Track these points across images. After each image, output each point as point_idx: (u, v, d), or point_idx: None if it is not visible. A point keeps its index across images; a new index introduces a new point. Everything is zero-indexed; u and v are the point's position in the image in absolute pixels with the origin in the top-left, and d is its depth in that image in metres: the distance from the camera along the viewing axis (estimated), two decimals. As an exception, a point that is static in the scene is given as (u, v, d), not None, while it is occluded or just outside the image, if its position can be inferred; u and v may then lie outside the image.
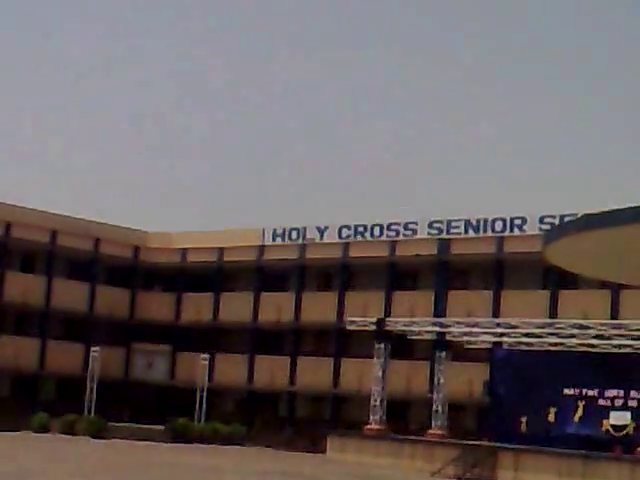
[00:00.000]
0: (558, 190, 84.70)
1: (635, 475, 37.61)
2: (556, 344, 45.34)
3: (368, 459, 45.05)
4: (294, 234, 60.83)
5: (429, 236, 56.08)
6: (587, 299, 50.20)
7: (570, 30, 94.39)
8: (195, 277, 64.76)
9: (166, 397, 63.63)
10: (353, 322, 49.33)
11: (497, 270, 54.45)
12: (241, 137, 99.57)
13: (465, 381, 51.01)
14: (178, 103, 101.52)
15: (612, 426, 43.17)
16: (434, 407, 47.02)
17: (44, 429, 52.98)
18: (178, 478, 32.03)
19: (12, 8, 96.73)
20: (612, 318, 47.84)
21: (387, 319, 49.34)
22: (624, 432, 42.67)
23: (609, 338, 43.28)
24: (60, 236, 61.37)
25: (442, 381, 46.97)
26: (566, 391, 44.69)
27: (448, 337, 47.34)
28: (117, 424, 53.76)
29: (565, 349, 45.20)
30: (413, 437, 47.34)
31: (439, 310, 54.13)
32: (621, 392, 43.23)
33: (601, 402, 43.75)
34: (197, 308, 63.64)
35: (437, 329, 47.54)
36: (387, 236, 57.46)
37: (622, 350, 43.36)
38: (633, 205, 30.09)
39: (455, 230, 55.32)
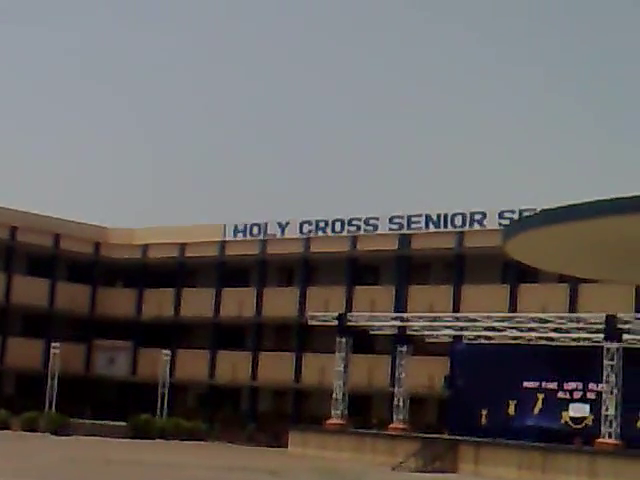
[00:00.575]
0: (517, 185, 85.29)
1: (594, 467, 38.04)
2: (516, 338, 45.73)
3: (330, 453, 45.24)
4: (255, 229, 60.91)
5: (390, 231, 56.35)
6: (546, 293, 50.70)
7: (521, 22, 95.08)
8: (156, 273, 64.59)
9: (128, 393, 63.42)
10: (314, 317, 49.46)
11: (457, 265, 54.78)
12: (201, 132, 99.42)
13: (426, 375, 51.29)
14: (138, 95, 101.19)
15: (571, 418, 43.64)
16: (395, 401, 47.26)
17: (4, 426, 52.69)
18: (139, 475, 31.96)
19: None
20: (570, 312, 48.33)
21: (348, 314, 49.52)
22: (583, 424, 43.14)
23: (568, 331, 43.72)
24: (20, 232, 61.07)
25: (403, 375, 47.21)
26: (526, 384, 45.12)
27: (409, 331, 47.61)
28: (78, 420, 53.62)
29: (525, 342, 45.61)
30: (374, 431, 47.64)
31: (400, 305, 54.42)
32: (580, 385, 43.72)
33: (560, 395, 44.23)
34: (158, 304, 63.50)
35: (398, 323, 47.83)
36: (348, 231, 57.65)
37: (580, 343, 43.82)
38: (590, 200, 30.47)
39: (416, 225, 55.62)
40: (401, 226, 56.09)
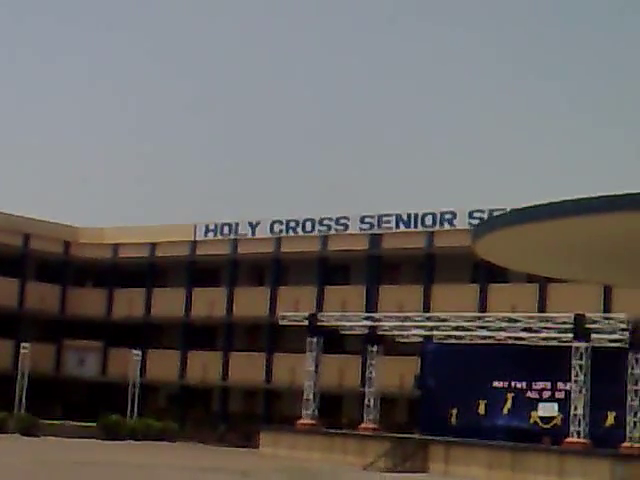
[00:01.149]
0: (486, 185, 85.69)
1: (563, 466, 38.27)
2: (485, 337, 45.91)
3: (301, 454, 45.30)
4: (226, 229, 60.87)
5: (360, 231, 56.49)
6: (515, 293, 51.01)
7: (490, 26, 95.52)
8: (127, 272, 64.42)
9: (98, 393, 63.24)
10: (285, 317, 49.46)
11: (427, 264, 54.97)
12: (173, 131, 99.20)
13: (396, 375, 51.45)
14: (110, 94, 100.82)
15: (540, 418, 43.88)
16: (366, 401, 47.33)
17: (-27, 427, 52.39)
18: (109, 476, 31.91)
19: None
20: (540, 311, 48.69)
21: (319, 314, 49.58)
22: (552, 423, 43.39)
23: (537, 331, 43.96)
24: (-12, 232, 60.73)
25: (374, 375, 47.31)
26: (495, 383, 45.33)
27: (380, 331, 47.71)
28: (48, 421, 53.39)
29: (494, 342, 45.81)
30: (345, 431, 47.71)
31: (370, 304, 54.56)
32: (548, 384, 43.95)
33: (529, 394, 44.46)
34: (129, 304, 63.34)
35: (369, 323, 47.91)
36: (319, 231, 57.73)
37: (549, 343, 44.05)
38: (558, 200, 30.73)
39: (386, 225, 55.78)
40: (372, 226, 56.24)
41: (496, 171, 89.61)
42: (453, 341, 47.40)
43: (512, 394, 44.89)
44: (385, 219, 55.85)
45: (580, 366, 40.08)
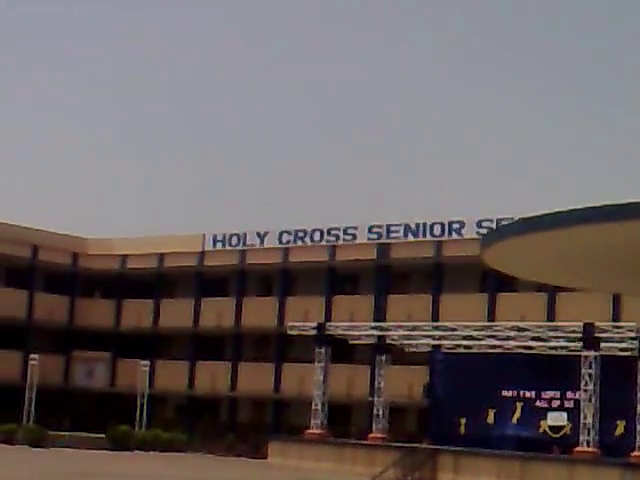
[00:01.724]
0: (494, 195, 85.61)
1: (573, 475, 38.07)
2: (494, 346, 45.78)
3: (310, 464, 45.13)
4: (234, 239, 60.86)
5: (369, 241, 56.47)
6: (524, 302, 50.90)
7: (491, 33, 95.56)
8: (135, 283, 64.45)
9: (106, 405, 63.23)
10: (294, 327, 49.40)
11: (436, 274, 54.91)
12: (180, 142, 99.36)
13: (405, 384, 51.41)
14: (118, 105, 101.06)
15: (549, 427, 43.70)
16: (375, 411, 47.20)
17: (-18, 439, 52.37)
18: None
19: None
20: (549, 320, 48.59)
21: (327, 323, 49.50)
22: (561, 433, 43.22)
23: (546, 340, 43.83)
24: (-3, 243, 60.85)
25: (382, 385, 47.19)
26: (504, 393, 45.18)
27: (388, 341, 47.60)
28: (57, 433, 53.27)
29: (503, 351, 45.68)
30: (354, 441, 47.52)
31: (379, 314, 54.49)
32: (557, 393, 43.79)
33: (538, 403, 44.29)
34: (137, 314, 63.35)
35: (377, 333, 47.79)
36: (327, 241, 57.72)
37: (558, 352, 43.90)
38: (567, 209, 30.65)
39: (394, 234, 55.73)
40: (380, 235, 56.21)
41: (504, 180, 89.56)
42: (462, 350, 47.28)
43: (521, 403, 44.73)
44: (393, 229, 55.82)
45: (590, 375, 39.92)
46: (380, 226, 56.37)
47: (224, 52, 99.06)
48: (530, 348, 44.81)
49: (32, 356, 55.53)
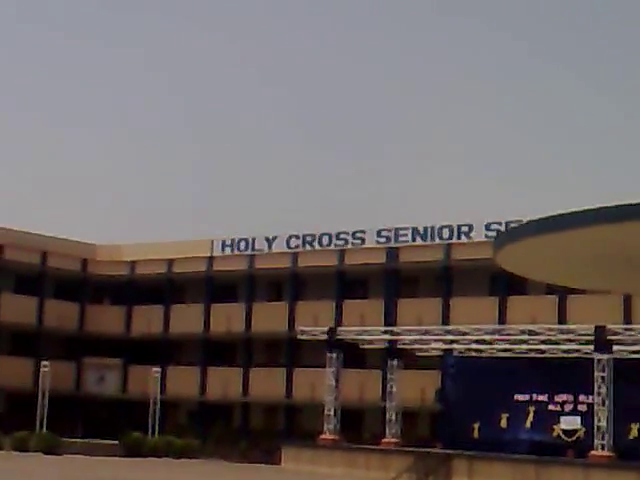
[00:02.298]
0: (503, 197, 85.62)
1: (588, 479, 38.11)
2: (506, 350, 45.85)
3: (323, 469, 45.26)
4: (243, 244, 60.91)
5: (378, 245, 56.49)
6: (535, 305, 50.87)
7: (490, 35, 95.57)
8: (145, 289, 64.51)
9: (118, 411, 63.25)
10: (304, 332, 49.52)
11: (446, 277, 54.91)
12: (188, 147, 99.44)
13: (417, 389, 51.36)
14: (126, 110, 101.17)
15: (563, 431, 43.75)
16: (387, 415, 47.30)
17: (-4, 446, 52.50)
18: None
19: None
20: (560, 323, 48.46)
21: (338, 328, 49.60)
22: (575, 437, 43.25)
23: (557, 343, 43.88)
24: (7, 250, 60.92)
25: (395, 389, 47.27)
26: (517, 396, 45.26)
27: (399, 345, 47.69)
28: (70, 440, 53.42)
29: (515, 355, 45.73)
30: (367, 446, 47.61)
31: (389, 318, 54.50)
32: (570, 397, 43.87)
33: (551, 407, 44.37)
34: (147, 320, 63.41)
35: (388, 337, 47.87)
36: (336, 245, 57.73)
37: (570, 355, 43.97)
38: (580, 209, 30.59)
39: (403, 238, 55.73)
40: (388, 239, 56.23)
41: (512, 182, 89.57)
42: (473, 354, 47.34)
43: (534, 407, 44.80)
44: (402, 232, 55.84)
45: (602, 378, 39.97)
46: (389, 230, 56.38)
47: (233, 61, 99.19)
48: (541, 351, 44.88)
49: (43, 363, 55.55)
